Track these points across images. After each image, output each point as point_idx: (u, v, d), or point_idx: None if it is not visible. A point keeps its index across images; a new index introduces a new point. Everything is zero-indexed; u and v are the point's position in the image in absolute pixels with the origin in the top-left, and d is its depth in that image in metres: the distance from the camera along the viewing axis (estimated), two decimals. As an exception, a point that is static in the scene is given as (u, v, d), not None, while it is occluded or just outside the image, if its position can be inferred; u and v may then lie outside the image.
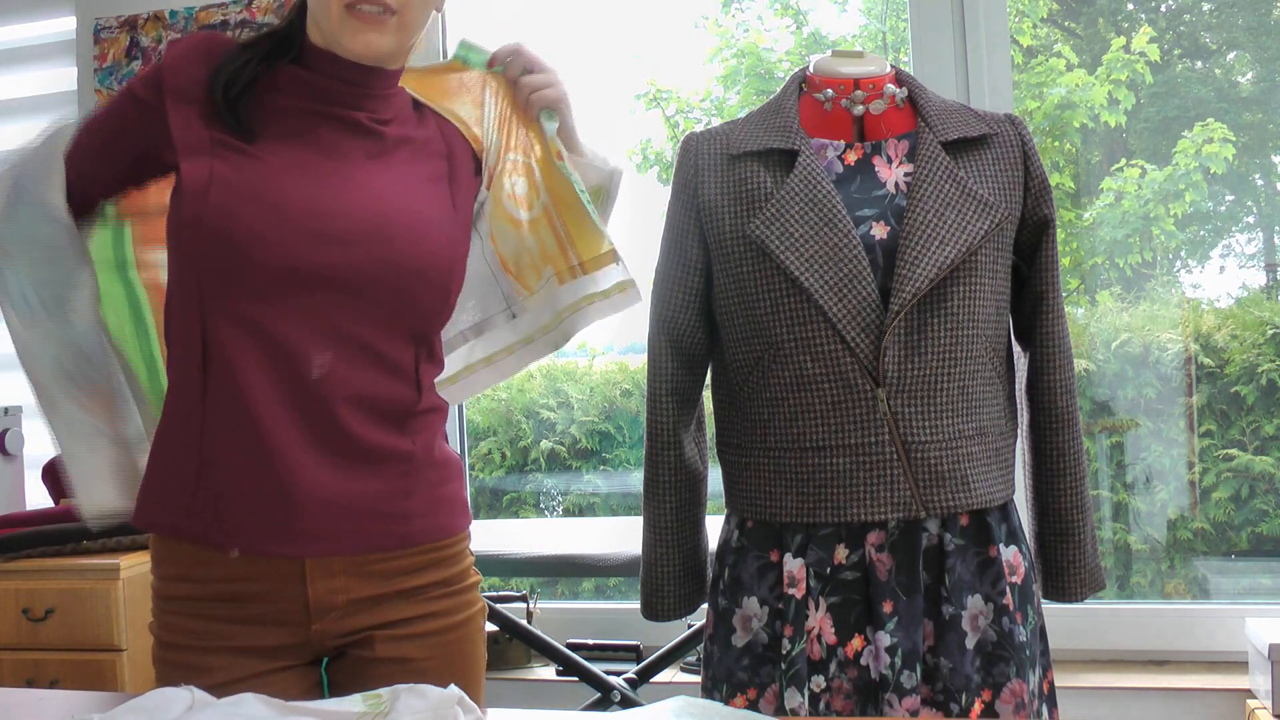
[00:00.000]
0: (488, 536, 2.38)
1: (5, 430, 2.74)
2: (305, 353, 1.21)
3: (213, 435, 1.22)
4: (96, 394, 1.35)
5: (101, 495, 1.31)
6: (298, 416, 1.21)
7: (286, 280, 1.20)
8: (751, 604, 1.36)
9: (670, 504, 1.46)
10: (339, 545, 1.25)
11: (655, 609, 1.48)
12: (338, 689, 1.30)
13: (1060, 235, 1.77)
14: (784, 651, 1.31)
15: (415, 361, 1.29)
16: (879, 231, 1.32)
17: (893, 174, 1.36)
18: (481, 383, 1.47)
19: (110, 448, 1.34)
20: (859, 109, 1.40)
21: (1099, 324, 2.82)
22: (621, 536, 2.28)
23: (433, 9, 1.30)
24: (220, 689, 1.20)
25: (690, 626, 2.33)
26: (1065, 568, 1.43)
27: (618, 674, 2.29)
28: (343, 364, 1.22)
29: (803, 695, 1.29)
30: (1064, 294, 1.48)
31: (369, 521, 1.26)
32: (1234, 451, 2.66)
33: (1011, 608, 1.32)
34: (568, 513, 3.37)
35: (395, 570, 1.29)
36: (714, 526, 1.51)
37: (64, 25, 3.05)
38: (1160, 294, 2.90)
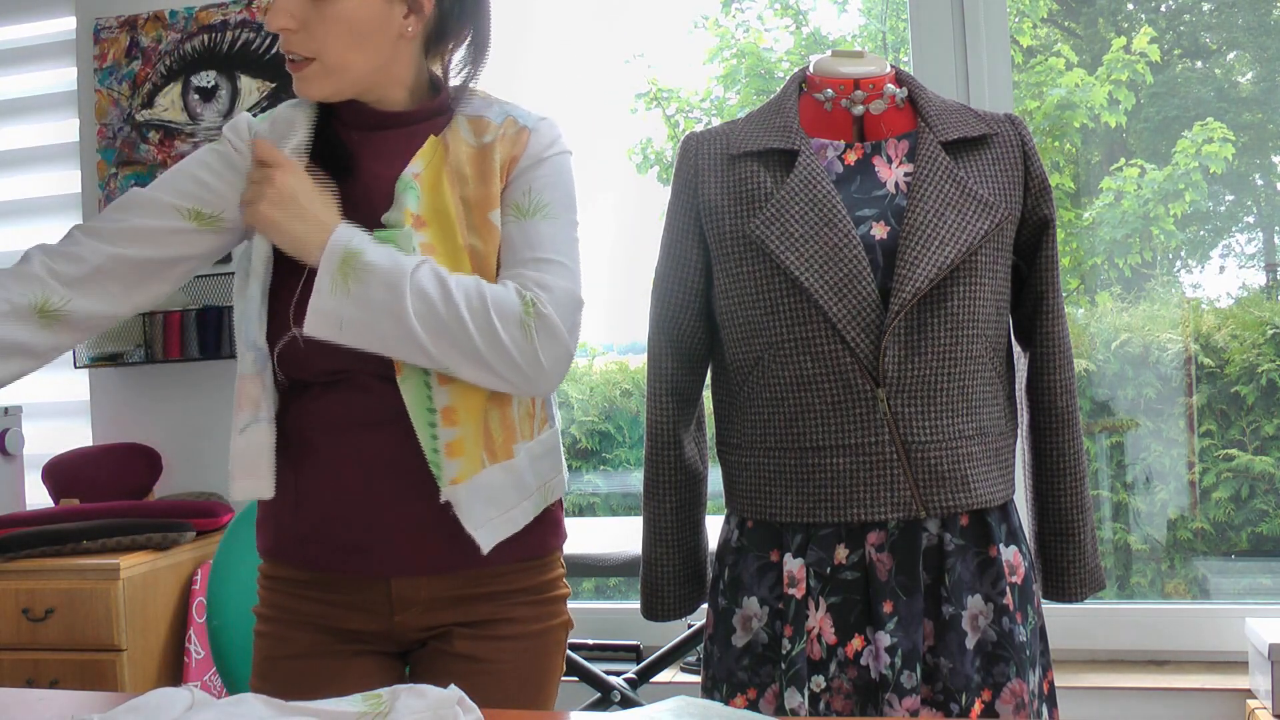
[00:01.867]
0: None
1: (5, 430, 2.74)
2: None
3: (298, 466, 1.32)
4: None
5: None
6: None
7: None
8: (751, 604, 1.36)
9: (670, 504, 1.46)
10: (419, 567, 1.31)
11: (655, 609, 1.48)
12: (417, 679, 1.33)
13: (1060, 235, 1.77)
14: (784, 651, 1.31)
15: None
16: (879, 231, 1.32)
17: (893, 174, 1.36)
18: None
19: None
20: (859, 109, 1.40)
21: (1099, 324, 2.83)
22: (621, 536, 2.28)
23: (374, 39, 1.29)
24: (300, 659, 1.33)
25: (690, 626, 2.33)
26: (1065, 568, 1.43)
27: (618, 674, 2.29)
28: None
29: (803, 695, 1.29)
30: (1064, 294, 1.48)
31: (447, 543, 1.29)
32: (1234, 451, 2.66)
33: (1011, 608, 1.32)
34: (568, 513, 3.36)
35: (481, 576, 1.34)
36: (714, 526, 1.51)
37: (64, 25, 3.06)
38: (1160, 294, 2.90)
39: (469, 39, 1.37)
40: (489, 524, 1.27)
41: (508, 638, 1.34)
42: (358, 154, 1.33)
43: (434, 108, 1.35)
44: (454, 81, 1.38)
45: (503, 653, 1.33)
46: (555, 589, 1.40)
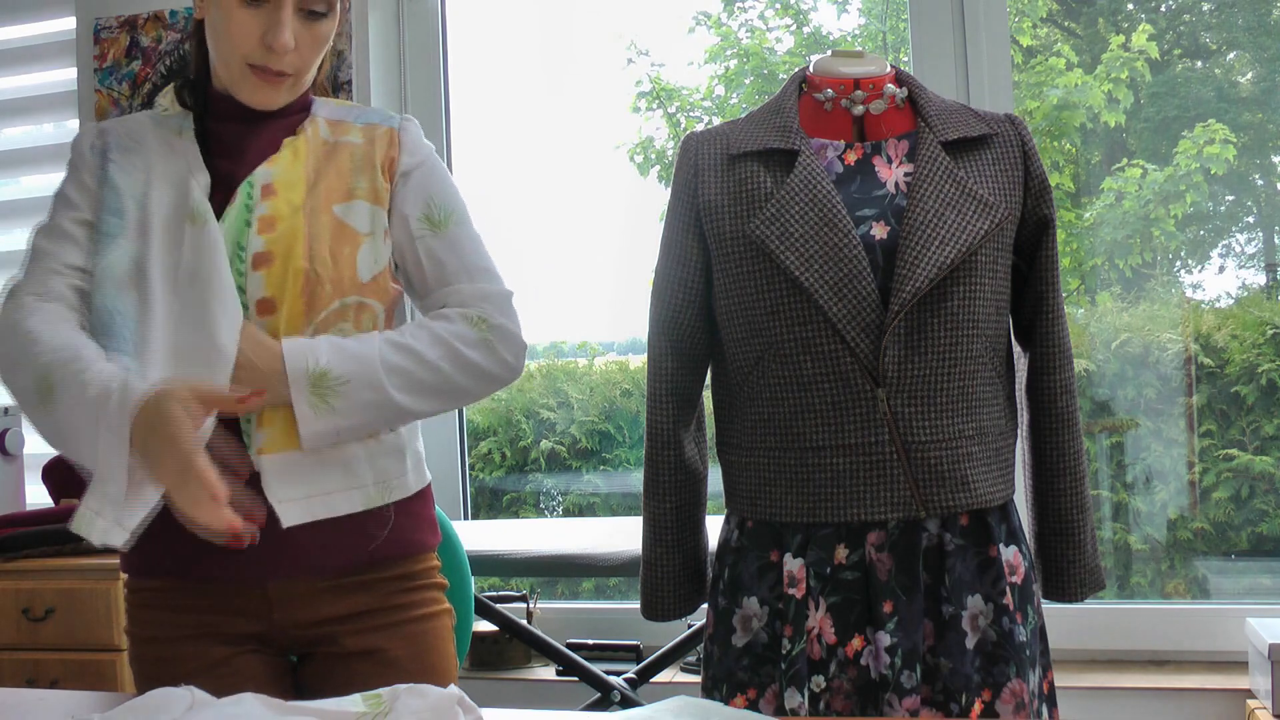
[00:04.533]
0: (487, 536, 2.38)
1: (5, 430, 2.74)
2: None
3: None
4: None
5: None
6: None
7: None
8: (751, 604, 1.36)
9: (670, 504, 1.46)
10: (298, 568, 1.31)
11: (655, 609, 1.48)
12: (310, 693, 1.32)
13: (1060, 235, 1.77)
14: (784, 651, 1.31)
15: None
16: (879, 231, 1.32)
17: (893, 174, 1.36)
18: None
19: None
20: (859, 109, 1.40)
21: (1099, 324, 2.82)
22: (621, 536, 2.28)
23: (324, 50, 1.38)
24: (191, 677, 1.22)
25: (690, 626, 2.33)
26: (1065, 568, 1.43)
27: (618, 674, 2.29)
28: None
29: (803, 695, 1.29)
30: (1064, 294, 1.48)
31: (321, 542, 1.31)
32: (1234, 451, 2.66)
33: (1011, 608, 1.32)
34: (568, 513, 3.37)
35: (357, 569, 1.36)
36: (714, 526, 1.51)
37: (64, 25, 3.05)
38: (1160, 294, 2.90)
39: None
40: (298, 502, 1.27)
41: (394, 625, 1.36)
42: (228, 143, 1.37)
43: (296, 105, 1.40)
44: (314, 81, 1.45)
45: (393, 640, 1.35)
46: (431, 577, 1.43)
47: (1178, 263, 2.98)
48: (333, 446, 1.29)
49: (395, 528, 1.36)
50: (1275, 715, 2.02)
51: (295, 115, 1.40)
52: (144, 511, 1.19)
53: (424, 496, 1.44)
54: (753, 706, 1.35)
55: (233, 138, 1.37)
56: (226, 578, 1.31)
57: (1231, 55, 3.03)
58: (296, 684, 1.38)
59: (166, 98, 1.43)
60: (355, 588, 1.35)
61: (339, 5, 1.35)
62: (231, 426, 1.26)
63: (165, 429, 1.14)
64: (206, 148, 1.36)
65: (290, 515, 1.27)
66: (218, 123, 1.38)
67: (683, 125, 3.37)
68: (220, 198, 1.32)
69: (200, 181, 1.32)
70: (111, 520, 1.18)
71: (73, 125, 3.00)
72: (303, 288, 1.28)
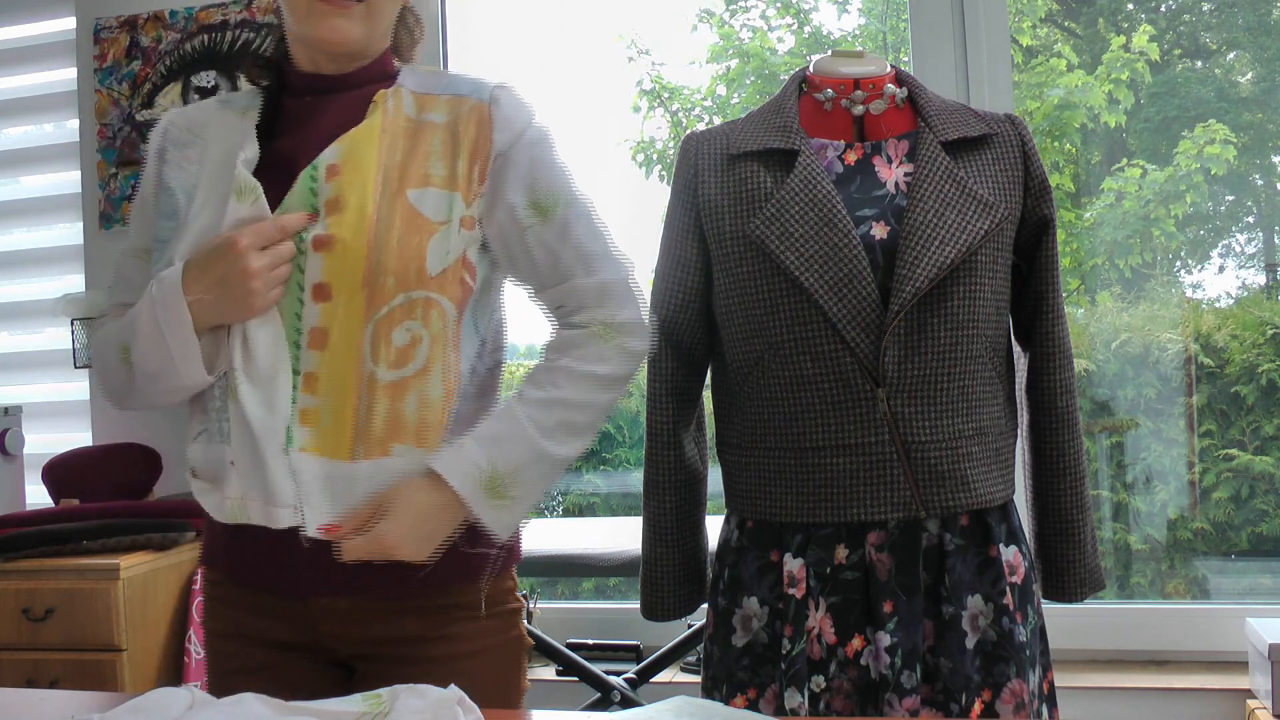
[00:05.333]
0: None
1: (5, 430, 2.74)
2: None
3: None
4: None
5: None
6: None
7: None
8: (751, 604, 1.36)
9: (670, 504, 1.46)
10: (340, 588, 1.23)
11: (655, 609, 1.48)
12: None
13: (1060, 236, 1.76)
14: (784, 651, 1.31)
15: None
16: (879, 231, 1.32)
17: (893, 174, 1.36)
18: None
19: None
20: (859, 109, 1.40)
21: (1099, 324, 2.82)
22: (621, 536, 2.28)
23: (401, 3, 1.31)
24: (242, 674, 1.26)
25: (690, 626, 2.33)
26: (1065, 568, 1.43)
27: (618, 674, 2.29)
28: None
29: (803, 695, 1.29)
30: (1064, 294, 1.48)
31: (371, 569, 1.20)
32: (1234, 451, 2.66)
33: (1011, 608, 1.31)
34: (568, 513, 3.37)
35: (406, 593, 1.25)
36: (714, 526, 1.51)
37: (64, 25, 3.05)
38: (1160, 294, 2.90)
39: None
40: (325, 513, 1.18)
41: (445, 658, 1.24)
42: (298, 119, 1.29)
43: (374, 73, 1.30)
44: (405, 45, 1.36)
45: (443, 671, 1.18)
46: (501, 602, 1.30)
47: (1178, 263, 2.98)
48: (379, 459, 1.19)
49: (449, 552, 1.22)
50: (1275, 715, 2.02)
51: (374, 85, 1.29)
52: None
53: None
54: (753, 706, 1.35)
55: (304, 113, 1.28)
56: (270, 589, 1.26)
57: (1231, 55, 3.03)
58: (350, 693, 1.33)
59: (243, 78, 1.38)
60: (405, 611, 1.25)
61: None
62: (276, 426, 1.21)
63: (217, 256, 1.17)
64: (275, 127, 1.28)
65: (313, 519, 1.18)
66: (292, 99, 1.30)
67: (684, 125, 3.37)
68: (282, 176, 1.22)
69: (247, 154, 1.24)
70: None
71: (73, 125, 3.00)
72: (363, 278, 1.18)
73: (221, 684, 1.29)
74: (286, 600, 1.26)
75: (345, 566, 1.18)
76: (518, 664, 1.33)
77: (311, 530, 1.18)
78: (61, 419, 3.01)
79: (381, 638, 1.25)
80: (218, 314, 1.19)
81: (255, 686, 1.14)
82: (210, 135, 1.29)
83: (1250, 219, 2.97)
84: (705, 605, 1.48)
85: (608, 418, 1.30)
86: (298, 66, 1.31)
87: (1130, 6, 3.08)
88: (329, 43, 1.24)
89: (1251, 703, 2.13)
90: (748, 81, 3.34)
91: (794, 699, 1.29)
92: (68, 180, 3.03)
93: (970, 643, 1.30)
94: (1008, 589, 1.32)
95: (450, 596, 1.26)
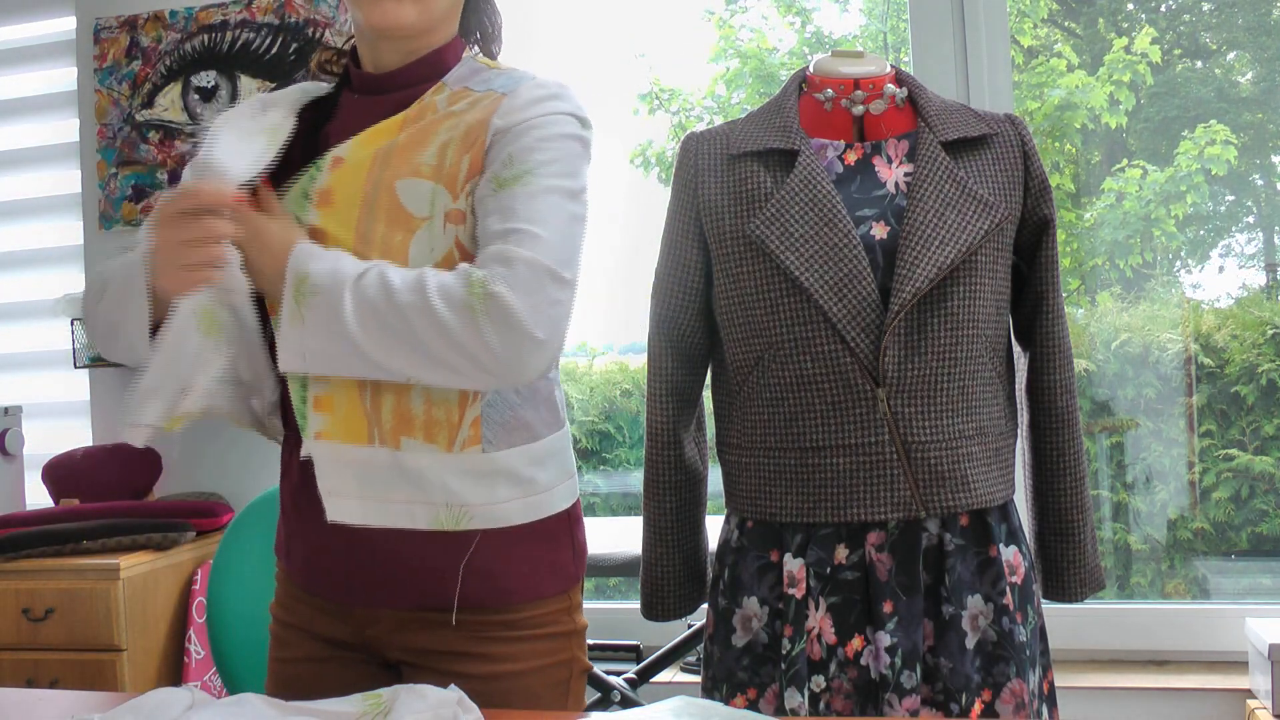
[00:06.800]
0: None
1: (5, 430, 2.74)
2: None
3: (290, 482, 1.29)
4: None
5: (153, 410, 1.16)
6: None
7: None
8: (751, 604, 1.36)
9: (670, 504, 1.46)
10: (384, 600, 1.24)
11: (655, 609, 1.48)
12: None
13: (1061, 236, 1.77)
14: (784, 651, 1.31)
15: None
16: (879, 231, 1.32)
17: (893, 174, 1.36)
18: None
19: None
20: (859, 109, 1.40)
21: (1099, 324, 2.82)
22: (621, 536, 2.28)
23: None
24: (296, 663, 1.29)
25: (690, 626, 2.33)
26: (1065, 568, 1.43)
27: (618, 674, 2.29)
28: None
29: (803, 695, 1.29)
30: (1064, 294, 1.48)
31: (418, 578, 1.20)
32: (1234, 451, 2.66)
33: (1011, 608, 1.32)
34: (568, 513, 3.36)
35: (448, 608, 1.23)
36: (714, 526, 1.51)
37: (64, 25, 3.06)
38: (1160, 294, 2.90)
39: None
40: (351, 500, 1.15)
41: (481, 677, 1.19)
42: (346, 114, 1.27)
43: (425, 70, 1.25)
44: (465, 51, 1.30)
45: (482, 689, 1.16)
46: (544, 625, 1.24)
47: (1178, 263, 2.98)
48: (394, 450, 1.16)
49: (479, 567, 1.19)
50: (1275, 715, 2.02)
51: (425, 84, 1.24)
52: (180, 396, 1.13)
53: (540, 532, 1.23)
54: (753, 706, 1.35)
55: (354, 110, 1.25)
56: (320, 593, 1.27)
57: (1231, 55, 3.03)
58: None
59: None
60: (444, 625, 1.21)
61: None
62: (287, 411, 1.22)
63: (165, 211, 1.10)
64: (330, 115, 1.27)
65: (339, 511, 1.15)
66: (349, 95, 1.28)
67: (684, 125, 3.38)
68: (304, 166, 1.22)
69: (272, 120, 1.24)
70: (147, 400, 1.12)
71: (73, 125, 3.00)
72: None
73: (279, 670, 1.32)
74: (336, 603, 1.27)
75: (383, 577, 1.20)
76: (565, 689, 1.27)
77: (334, 515, 1.16)
78: (61, 419, 3.01)
79: (425, 647, 1.24)
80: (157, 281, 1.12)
81: (308, 678, 1.21)
82: (274, 103, 1.29)
83: (1250, 219, 2.97)
84: (705, 605, 1.48)
85: (427, 369, 1.10)
86: (361, 66, 1.29)
87: (1130, 6, 3.08)
88: (380, 28, 1.20)
89: (1251, 703, 2.13)
90: (748, 82, 3.34)
91: (794, 699, 1.29)
92: (68, 180, 3.03)
93: (970, 643, 1.30)
94: (1008, 589, 1.32)
95: (486, 614, 1.22)
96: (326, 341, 1.10)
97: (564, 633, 1.26)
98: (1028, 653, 1.33)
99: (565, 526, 1.28)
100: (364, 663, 1.29)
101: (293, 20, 2.79)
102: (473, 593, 1.20)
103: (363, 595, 1.24)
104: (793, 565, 1.32)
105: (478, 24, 1.35)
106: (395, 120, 1.21)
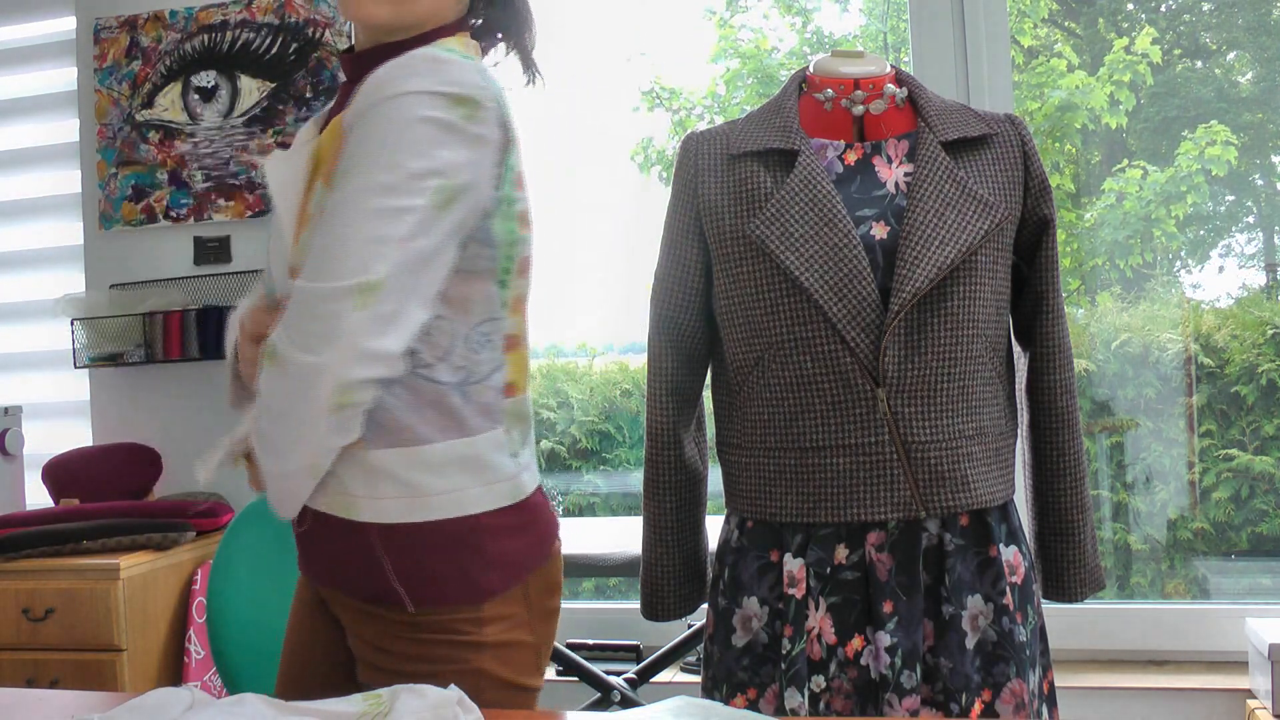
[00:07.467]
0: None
1: (5, 430, 2.74)
2: None
3: None
4: None
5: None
6: None
7: None
8: (751, 604, 1.36)
9: (670, 504, 1.46)
10: (315, 575, 1.29)
11: (655, 609, 1.48)
12: None
13: (1061, 236, 1.77)
14: (784, 651, 1.31)
15: None
16: (879, 231, 1.32)
17: (893, 174, 1.36)
18: None
19: None
20: (859, 109, 1.40)
21: (1099, 324, 2.82)
22: (621, 536, 2.28)
23: None
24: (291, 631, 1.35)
25: (690, 626, 2.33)
26: (1065, 568, 1.43)
27: (618, 674, 2.29)
28: None
29: (803, 695, 1.29)
30: (1064, 294, 1.48)
31: (341, 565, 1.22)
32: (1234, 451, 2.66)
33: (1011, 607, 1.32)
34: (568, 513, 3.37)
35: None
36: (714, 526, 1.51)
37: (64, 25, 3.06)
38: (1160, 294, 2.89)
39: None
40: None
41: (388, 671, 1.16)
42: (327, 114, 1.29)
43: (380, 55, 1.18)
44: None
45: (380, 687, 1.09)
46: (450, 632, 1.17)
47: (1178, 263, 2.98)
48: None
49: (376, 564, 1.15)
50: (1275, 715, 2.02)
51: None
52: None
53: (442, 537, 1.16)
54: (753, 706, 1.35)
55: (341, 101, 1.25)
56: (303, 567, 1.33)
57: (1232, 55, 3.02)
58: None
59: None
60: (370, 617, 1.20)
61: None
62: None
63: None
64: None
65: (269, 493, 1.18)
66: (344, 86, 1.29)
67: (684, 124, 3.38)
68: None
69: (303, 136, 1.27)
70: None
71: (73, 125, 3.00)
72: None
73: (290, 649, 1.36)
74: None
75: (320, 557, 1.25)
76: (477, 699, 1.13)
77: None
78: (61, 419, 3.01)
79: (357, 633, 1.23)
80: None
81: (318, 655, 1.29)
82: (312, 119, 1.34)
83: (1250, 219, 2.97)
84: (705, 605, 1.48)
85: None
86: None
87: (1130, 7, 3.08)
88: (352, 19, 1.21)
89: (1251, 703, 2.13)
90: (748, 81, 3.34)
91: (794, 699, 1.29)
92: (68, 180, 3.03)
93: (970, 643, 1.30)
94: (1008, 589, 1.32)
95: (396, 612, 1.17)
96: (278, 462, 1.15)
97: (470, 643, 1.18)
98: (1028, 653, 1.33)
99: (474, 536, 1.17)
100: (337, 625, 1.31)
101: (293, 20, 2.79)
102: (381, 590, 1.16)
103: (311, 571, 1.29)
104: (793, 565, 1.32)
105: (486, 7, 1.34)
106: (338, 120, 1.18)
